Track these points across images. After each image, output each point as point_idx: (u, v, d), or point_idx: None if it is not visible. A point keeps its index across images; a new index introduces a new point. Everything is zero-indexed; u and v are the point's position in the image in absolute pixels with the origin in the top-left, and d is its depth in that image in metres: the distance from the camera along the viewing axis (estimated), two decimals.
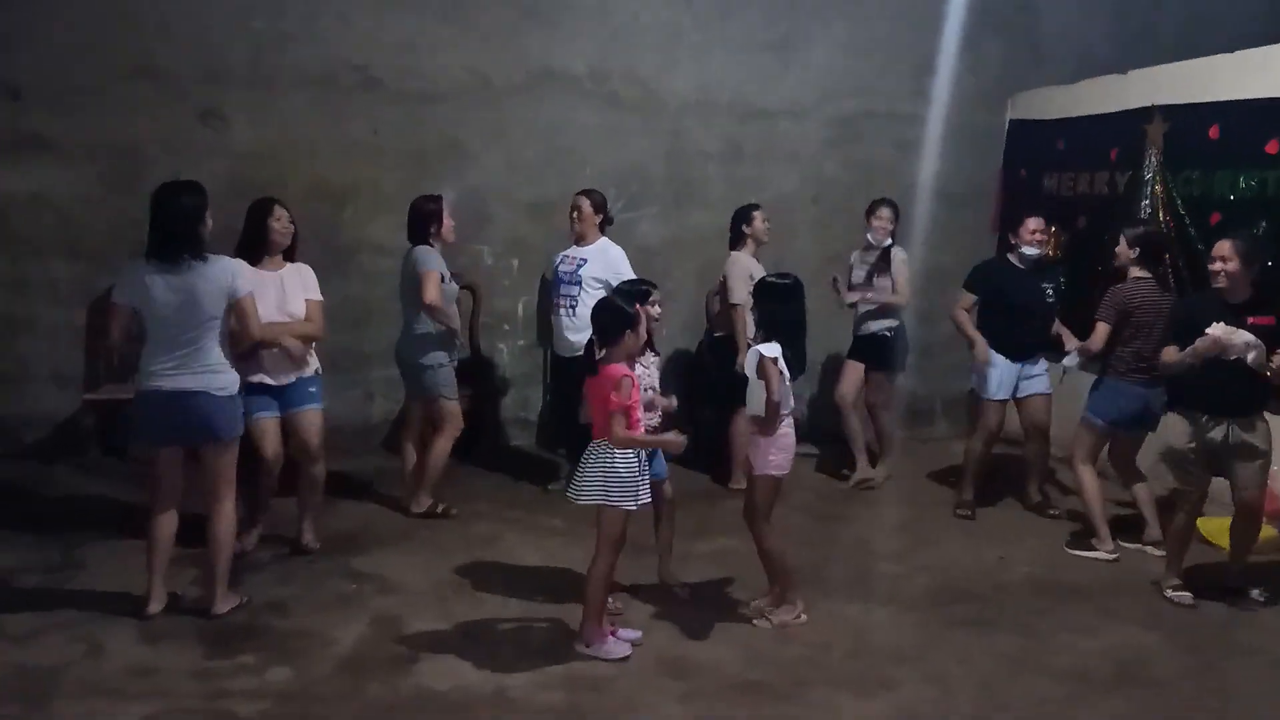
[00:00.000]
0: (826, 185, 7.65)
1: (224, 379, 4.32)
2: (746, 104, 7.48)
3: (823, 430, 7.55)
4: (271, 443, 5.07)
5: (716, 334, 6.55)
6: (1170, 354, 4.74)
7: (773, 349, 4.36)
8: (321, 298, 5.13)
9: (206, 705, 3.78)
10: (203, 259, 4.26)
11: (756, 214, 6.38)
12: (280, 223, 5.02)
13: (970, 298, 6.10)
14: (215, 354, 4.30)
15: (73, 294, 6.50)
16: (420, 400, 5.80)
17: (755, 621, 4.55)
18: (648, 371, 4.58)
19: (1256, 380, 4.60)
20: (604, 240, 6.03)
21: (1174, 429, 4.81)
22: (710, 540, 5.33)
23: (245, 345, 4.53)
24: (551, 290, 6.21)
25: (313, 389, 5.16)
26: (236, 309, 4.36)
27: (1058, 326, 5.81)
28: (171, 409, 4.25)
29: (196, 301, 4.22)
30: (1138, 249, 5.41)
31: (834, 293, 6.45)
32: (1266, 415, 4.75)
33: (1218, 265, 4.65)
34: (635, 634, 4.35)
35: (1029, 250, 5.95)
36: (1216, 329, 4.51)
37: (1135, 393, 5.36)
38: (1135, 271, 5.41)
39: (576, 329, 5.88)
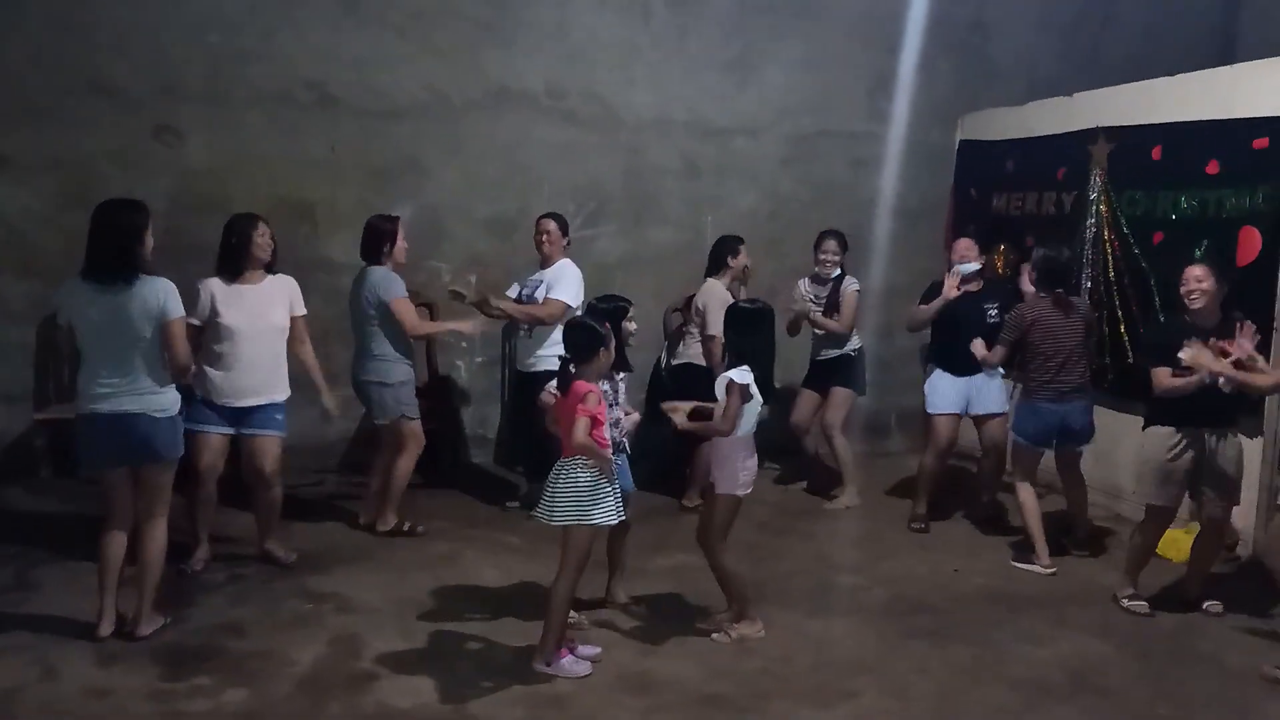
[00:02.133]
0: (783, 202, 7.75)
1: (163, 400, 4.27)
2: (703, 122, 7.56)
3: (779, 447, 7.63)
4: (208, 455, 5.04)
5: (675, 362, 6.52)
6: (1163, 377, 4.79)
7: (745, 374, 4.38)
8: (305, 311, 5.21)
9: None
10: (136, 278, 4.18)
11: (743, 248, 6.38)
12: (264, 238, 5.07)
13: (920, 308, 6.33)
14: (154, 374, 4.24)
15: (23, 312, 6.40)
16: (377, 423, 5.76)
17: (714, 636, 4.58)
18: (618, 388, 4.61)
19: (1231, 395, 4.73)
20: (565, 261, 6.06)
21: (1154, 443, 4.89)
22: (669, 556, 5.36)
23: (175, 373, 4.35)
24: None
25: (279, 416, 5.17)
26: (164, 334, 4.22)
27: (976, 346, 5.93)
28: (112, 431, 4.20)
29: (128, 321, 4.16)
30: (1035, 273, 5.69)
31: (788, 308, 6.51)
32: (1241, 436, 4.95)
33: (1192, 286, 4.81)
34: (595, 650, 4.36)
35: (963, 266, 6.15)
36: (1187, 353, 4.64)
37: (1048, 410, 5.53)
38: (1032, 292, 5.70)
39: (533, 344, 5.99)
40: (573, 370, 4.17)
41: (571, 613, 4.59)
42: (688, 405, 4.60)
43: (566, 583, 4.20)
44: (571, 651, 4.27)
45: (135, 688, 3.98)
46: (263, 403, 5.09)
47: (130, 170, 6.27)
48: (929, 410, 6.31)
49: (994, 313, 6.08)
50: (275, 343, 5.10)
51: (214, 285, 4.97)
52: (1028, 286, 5.89)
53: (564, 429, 4.15)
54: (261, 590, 4.97)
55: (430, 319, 6.89)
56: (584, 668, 4.22)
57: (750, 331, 4.51)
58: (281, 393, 5.17)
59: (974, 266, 6.19)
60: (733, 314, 4.63)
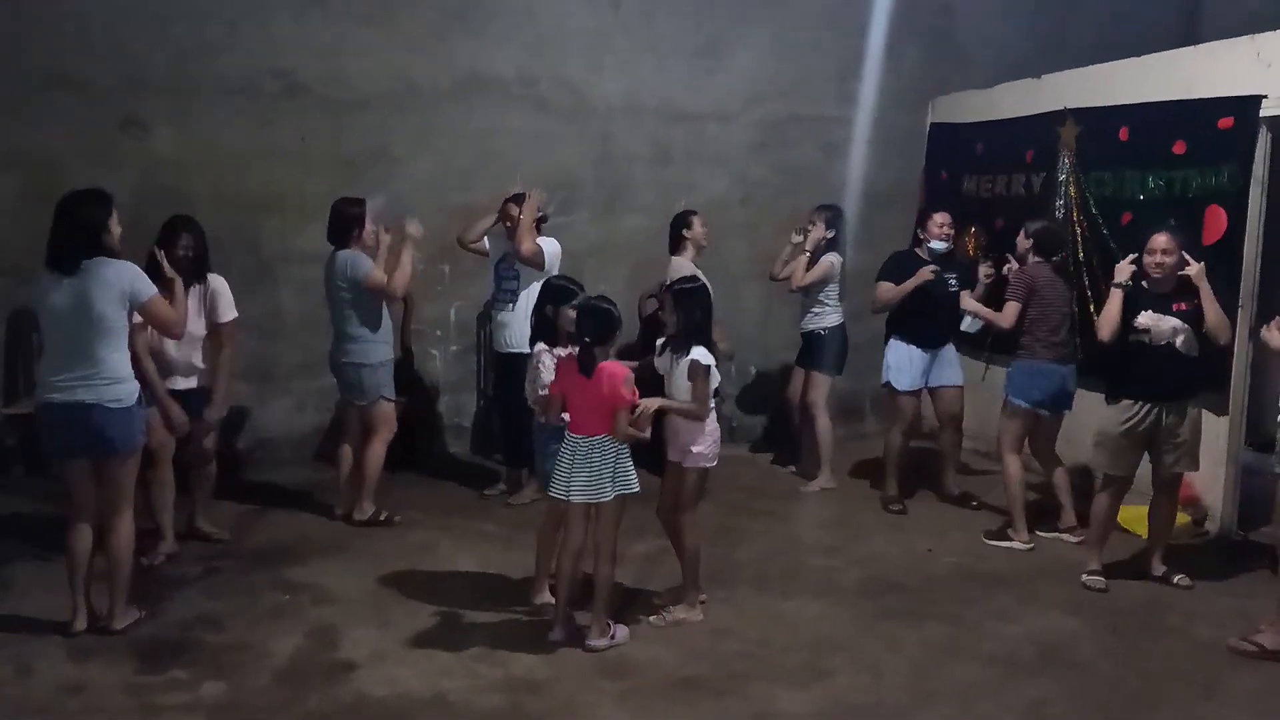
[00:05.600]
0: (754, 188, 7.77)
1: (120, 390, 4.22)
2: (674, 108, 7.56)
3: (760, 430, 7.69)
4: (158, 434, 5.01)
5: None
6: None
7: (707, 355, 4.42)
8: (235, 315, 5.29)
9: None
10: (100, 259, 4.18)
11: (695, 219, 6.41)
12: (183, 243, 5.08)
13: (886, 286, 6.25)
14: (112, 363, 4.20)
15: None
16: (357, 404, 5.76)
17: (650, 620, 4.60)
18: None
19: (1190, 367, 4.86)
20: (541, 238, 6.05)
21: (1109, 414, 4.99)
22: (646, 541, 5.36)
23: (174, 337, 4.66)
24: (492, 288, 6.23)
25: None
26: (148, 314, 4.31)
27: (969, 303, 5.97)
28: (68, 421, 4.18)
29: (89, 306, 4.13)
30: (1032, 240, 5.75)
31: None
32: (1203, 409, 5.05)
33: (1158, 258, 4.87)
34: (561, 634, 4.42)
35: (936, 244, 6.18)
36: (1144, 317, 4.80)
37: (1051, 370, 5.61)
38: (1032, 258, 5.73)
39: (514, 324, 5.96)
40: (595, 352, 4.23)
41: (551, 598, 4.65)
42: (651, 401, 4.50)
43: (613, 560, 4.36)
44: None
45: (111, 682, 3.97)
46: (196, 386, 5.19)
47: (96, 164, 6.18)
48: (895, 387, 6.30)
49: (954, 283, 6.18)
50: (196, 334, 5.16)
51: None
52: (1020, 240, 5.87)
53: (592, 408, 4.23)
54: (237, 583, 4.96)
55: (405, 308, 6.90)
56: (626, 632, 4.41)
57: (697, 307, 4.54)
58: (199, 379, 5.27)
59: (946, 246, 6.22)
60: (679, 294, 4.62)
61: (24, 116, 6.29)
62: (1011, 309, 5.64)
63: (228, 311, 5.24)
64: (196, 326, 5.11)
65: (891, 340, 6.36)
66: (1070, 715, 3.95)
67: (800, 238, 6.52)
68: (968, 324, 6.01)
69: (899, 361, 6.29)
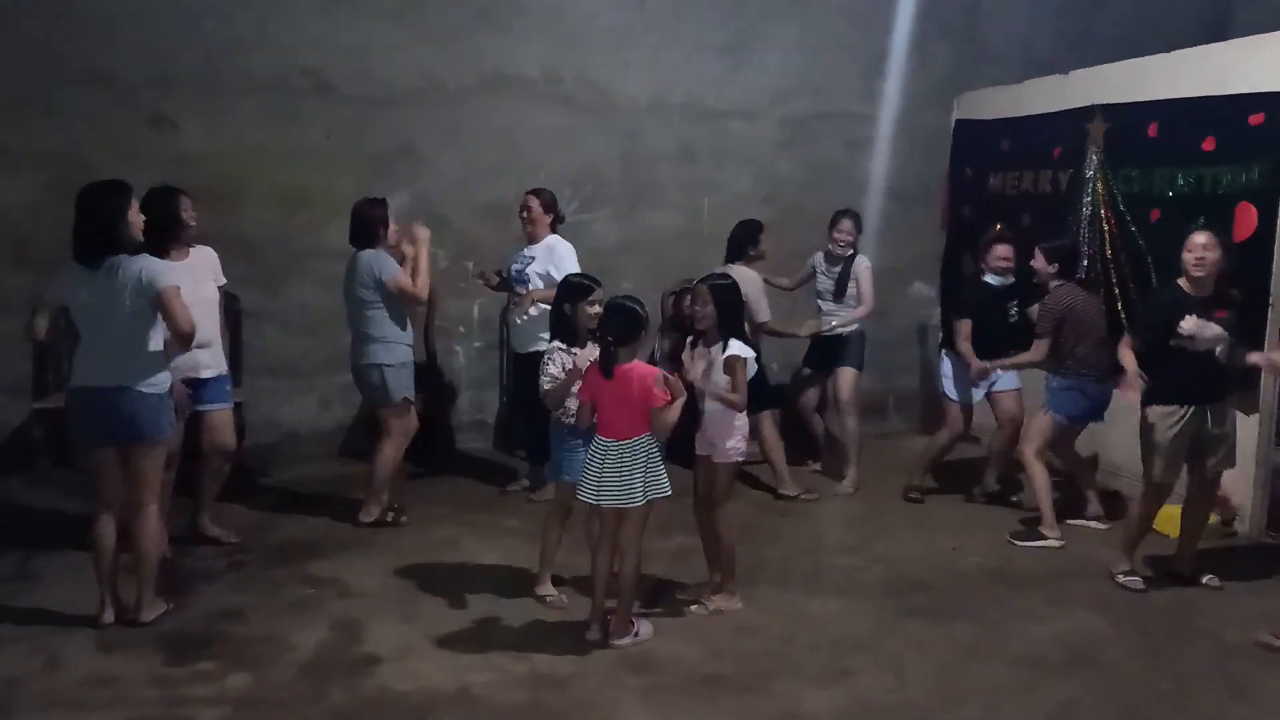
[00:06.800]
0: (780, 185, 7.74)
1: (151, 377, 4.27)
2: (700, 105, 7.55)
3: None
4: (173, 437, 4.97)
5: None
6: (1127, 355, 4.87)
7: (746, 349, 4.43)
8: (225, 281, 5.32)
9: (166, 713, 3.77)
10: (120, 259, 4.20)
11: (761, 235, 6.30)
12: (188, 213, 5.07)
13: (968, 324, 6.14)
14: (145, 352, 4.26)
15: (20, 303, 6.33)
16: (380, 408, 5.75)
17: (692, 608, 4.64)
18: (587, 361, 4.57)
19: (1225, 369, 4.79)
20: (552, 237, 6.05)
21: (1156, 421, 4.88)
22: (670, 538, 5.35)
23: (181, 341, 4.32)
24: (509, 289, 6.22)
25: (228, 388, 5.37)
26: (160, 307, 4.24)
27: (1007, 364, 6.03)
28: (97, 406, 4.23)
29: (114, 301, 4.19)
30: (1056, 264, 5.78)
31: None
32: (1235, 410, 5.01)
33: (1201, 255, 4.76)
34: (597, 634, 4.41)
35: (992, 279, 6.12)
36: (1189, 323, 4.67)
37: (1093, 390, 5.68)
38: (1056, 282, 5.77)
39: (535, 323, 5.91)
40: (618, 353, 4.20)
41: (554, 590, 4.70)
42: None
43: (638, 560, 4.34)
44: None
45: (138, 674, 4.01)
46: (215, 374, 5.20)
47: (125, 160, 6.18)
48: (949, 396, 6.30)
49: (1015, 311, 6.11)
50: (212, 313, 5.14)
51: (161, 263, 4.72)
52: (1041, 265, 5.84)
53: (621, 409, 4.20)
54: (262, 576, 5.00)
55: (429, 305, 6.90)
56: (650, 629, 4.42)
57: (731, 306, 4.54)
58: (225, 365, 5.31)
59: (1002, 282, 6.12)
60: (715, 290, 4.59)
61: (53, 113, 6.34)
62: (1041, 348, 5.72)
63: (220, 276, 5.30)
64: (207, 289, 5.11)
65: (947, 352, 6.36)
66: (1097, 717, 3.91)
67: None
68: (997, 378, 6.17)
69: (952, 373, 6.29)
